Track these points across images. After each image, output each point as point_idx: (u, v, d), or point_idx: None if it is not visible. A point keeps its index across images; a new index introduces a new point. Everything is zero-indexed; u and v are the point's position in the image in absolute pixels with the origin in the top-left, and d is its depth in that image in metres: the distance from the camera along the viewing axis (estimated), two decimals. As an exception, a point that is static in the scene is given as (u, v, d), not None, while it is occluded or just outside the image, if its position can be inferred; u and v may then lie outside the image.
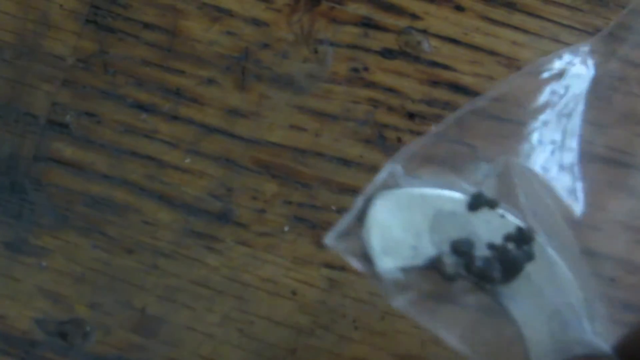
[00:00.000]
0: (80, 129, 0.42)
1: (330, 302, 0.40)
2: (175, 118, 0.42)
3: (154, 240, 0.41)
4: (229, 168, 0.41)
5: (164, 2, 0.42)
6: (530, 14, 0.42)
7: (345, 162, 0.41)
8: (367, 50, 0.42)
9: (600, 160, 0.40)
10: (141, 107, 0.42)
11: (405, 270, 0.35)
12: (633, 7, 0.40)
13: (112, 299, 0.41)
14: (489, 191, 0.35)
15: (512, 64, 0.42)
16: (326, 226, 0.41)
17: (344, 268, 0.40)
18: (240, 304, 0.40)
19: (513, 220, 0.36)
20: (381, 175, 0.35)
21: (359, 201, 0.35)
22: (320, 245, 0.41)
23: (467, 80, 0.42)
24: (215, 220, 0.41)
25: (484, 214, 0.36)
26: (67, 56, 0.42)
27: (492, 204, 0.35)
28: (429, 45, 0.42)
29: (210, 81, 0.42)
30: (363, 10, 0.42)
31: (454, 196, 0.36)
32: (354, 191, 0.41)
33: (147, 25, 0.42)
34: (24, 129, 0.42)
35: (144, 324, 0.40)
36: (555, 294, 0.35)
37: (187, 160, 0.41)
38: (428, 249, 0.35)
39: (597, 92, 0.38)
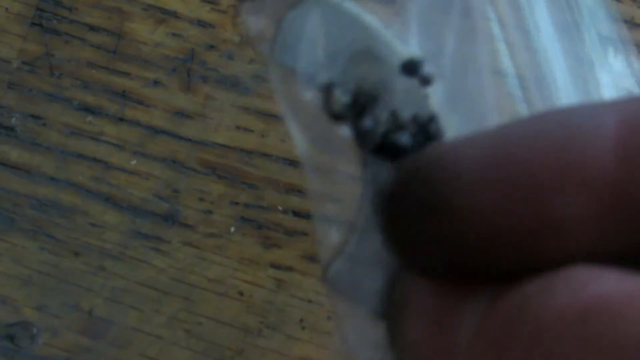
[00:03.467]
0: (26, 131, 0.42)
1: (277, 302, 0.41)
2: (121, 120, 0.42)
3: (100, 242, 0.41)
4: (175, 169, 0.41)
5: (109, 5, 0.42)
6: None
7: (292, 163, 0.41)
8: (312, 51, 0.42)
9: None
10: (87, 109, 0.42)
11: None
12: None
13: (60, 301, 0.41)
14: None
15: None
16: (273, 227, 0.41)
17: (290, 268, 0.41)
18: (187, 305, 0.41)
19: (431, 105, 0.30)
20: None
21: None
22: (267, 245, 0.41)
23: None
24: (162, 221, 0.41)
25: (412, 81, 0.30)
26: (13, 59, 0.42)
27: (426, 80, 0.30)
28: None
29: (156, 83, 0.42)
30: (308, 11, 0.42)
31: (393, 41, 0.30)
32: (300, 191, 0.41)
33: (92, 28, 0.42)
34: (-30, 132, 0.42)
35: (92, 326, 0.41)
36: None
37: (134, 162, 0.41)
38: (336, 76, 0.30)
39: None
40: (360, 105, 0.29)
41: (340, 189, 0.30)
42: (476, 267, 0.20)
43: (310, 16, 0.29)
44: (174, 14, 0.42)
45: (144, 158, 0.41)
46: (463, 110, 0.32)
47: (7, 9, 0.43)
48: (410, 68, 0.29)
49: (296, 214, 0.41)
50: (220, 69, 0.42)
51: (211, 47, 0.42)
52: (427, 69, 0.29)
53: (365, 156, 0.29)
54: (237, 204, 0.41)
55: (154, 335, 0.40)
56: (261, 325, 0.40)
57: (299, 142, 0.30)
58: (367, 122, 0.29)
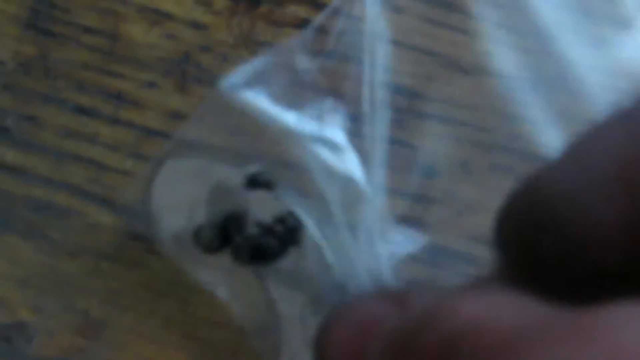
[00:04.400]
0: (21, 132, 0.42)
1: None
2: (116, 121, 0.42)
3: (96, 243, 0.41)
4: (170, 171, 0.41)
5: (104, 6, 0.43)
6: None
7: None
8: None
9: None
10: (82, 110, 0.42)
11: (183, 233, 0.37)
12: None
13: (56, 302, 0.41)
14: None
15: None
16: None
17: (285, 269, 0.41)
18: (183, 307, 0.41)
19: (286, 204, 0.36)
20: (169, 145, 0.39)
21: (145, 169, 0.39)
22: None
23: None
24: (157, 223, 0.41)
25: (261, 193, 0.36)
26: (7, 60, 0.42)
27: (268, 186, 0.36)
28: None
29: (151, 84, 0.42)
30: (302, 12, 0.42)
31: (235, 172, 0.37)
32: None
33: (87, 29, 0.43)
34: (-35, 134, 0.42)
35: (88, 327, 0.41)
36: (319, 279, 0.36)
37: (129, 163, 0.42)
38: (201, 220, 0.37)
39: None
40: (226, 231, 0.36)
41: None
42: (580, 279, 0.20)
43: (166, 178, 0.38)
44: (169, 16, 0.43)
45: (139, 159, 0.42)
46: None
47: (1, 10, 0.43)
48: (252, 182, 0.36)
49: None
50: (215, 70, 0.42)
51: (205, 48, 0.42)
52: (264, 177, 0.36)
53: (252, 268, 0.37)
54: (232, 205, 0.41)
55: (149, 336, 0.41)
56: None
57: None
58: (236, 241, 0.36)
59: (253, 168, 0.37)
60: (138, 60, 0.42)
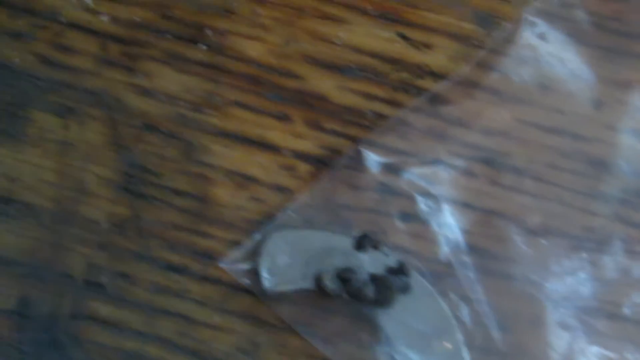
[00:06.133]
0: (115, 288, 0.45)
1: None
2: (204, 278, 0.45)
3: (186, 393, 0.44)
4: (255, 324, 0.44)
5: (194, 170, 0.46)
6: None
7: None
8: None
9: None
10: (173, 268, 0.45)
11: (293, 290, 0.44)
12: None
13: None
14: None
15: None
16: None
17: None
18: None
19: (395, 257, 0.44)
20: (279, 216, 0.45)
21: (256, 235, 0.44)
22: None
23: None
24: (244, 374, 0.44)
25: (370, 252, 0.44)
26: (102, 221, 0.45)
27: (375, 245, 0.44)
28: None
29: (237, 244, 0.45)
30: (380, 177, 0.46)
31: (343, 238, 0.44)
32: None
33: (177, 192, 0.46)
34: (62, 289, 0.45)
35: None
36: (429, 323, 0.43)
37: (216, 318, 0.44)
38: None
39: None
40: (344, 281, 0.43)
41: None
42: None
43: (277, 243, 0.44)
44: (255, 180, 0.46)
45: (225, 314, 0.44)
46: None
47: (97, 174, 0.46)
48: (361, 243, 0.44)
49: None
50: (296, 230, 0.45)
51: (289, 210, 0.45)
52: (371, 237, 0.44)
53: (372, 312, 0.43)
54: (313, 357, 0.44)
55: None
56: None
57: None
58: (357, 282, 0.43)
59: (358, 233, 0.44)
60: (225, 221, 0.45)
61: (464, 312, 0.43)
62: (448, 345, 0.43)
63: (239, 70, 0.47)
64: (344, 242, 0.44)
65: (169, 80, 0.47)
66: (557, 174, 0.46)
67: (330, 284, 0.43)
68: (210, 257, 0.45)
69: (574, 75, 0.46)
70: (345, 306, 0.44)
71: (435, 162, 0.45)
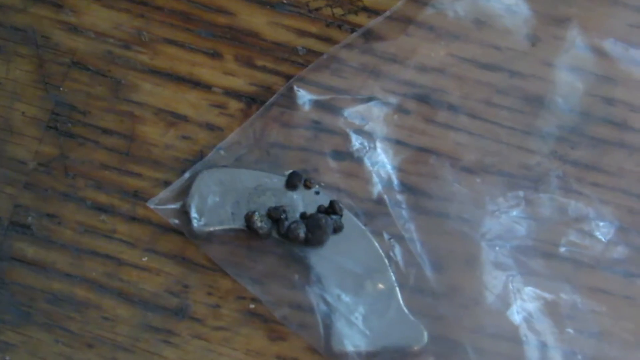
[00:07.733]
0: (41, 229, 0.44)
1: (282, 392, 0.43)
2: (133, 219, 0.44)
3: (113, 335, 0.43)
4: (184, 266, 0.43)
5: (121, 109, 0.45)
6: None
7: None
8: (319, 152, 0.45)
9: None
10: (100, 208, 0.44)
11: (223, 230, 0.43)
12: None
13: (73, 392, 0.42)
14: None
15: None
16: (278, 320, 0.43)
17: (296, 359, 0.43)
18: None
19: (328, 196, 0.43)
20: (209, 155, 0.44)
21: (186, 175, 0.44)
22: (272, 338, 0.43)
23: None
24: (172, 315, 0.43)
25: (301, 191, 0.43)
26: (29, 160, 0.44)
27: (307, 183, 0.43)
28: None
29: (167, 183, 0.44)
30: (314, 115, 0.45)
31: (274, 177, 0.43)
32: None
33: (105, 131, 0.45)
34: (-13, 230, 0.44)
35: (104, 417, 0.42)
36: (362, 263, 0.42)
37: (145, 259, 0.43)
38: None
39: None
40: (274, 219, 0.42)
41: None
42: None
43: (206, 183, 0.43)
44: (184, 118, 0.45)
45: (154, 255, 0.43)
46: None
47: (23, 112, 0.45)
48: (291, 183, 0.43)
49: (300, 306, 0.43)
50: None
51: (219, 149, 0.44)
52: (302, 178, 0.43)
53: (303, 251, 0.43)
54: (244, 298, 0.43)
55: None
56: (267, 414, 0.42)
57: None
58: (289, 223, 0.43)
59: (289, 171, 0.44)
60: (154, 160, 0.44)
61: (397, 251, 0.43)
62: (380, 285, 0.42)
63: (169, 6, 0.46)
64: (275, 181, 0.43)
65: (98, 16, 0.46)
66: (493, 110, 0.45)
67: (260, 223, 0.42)
68: (138, 197, 0.44)
69: (510, 10, 0.45)
70: (275, 246, 0.43)
71: (369, 99, 0.44)
